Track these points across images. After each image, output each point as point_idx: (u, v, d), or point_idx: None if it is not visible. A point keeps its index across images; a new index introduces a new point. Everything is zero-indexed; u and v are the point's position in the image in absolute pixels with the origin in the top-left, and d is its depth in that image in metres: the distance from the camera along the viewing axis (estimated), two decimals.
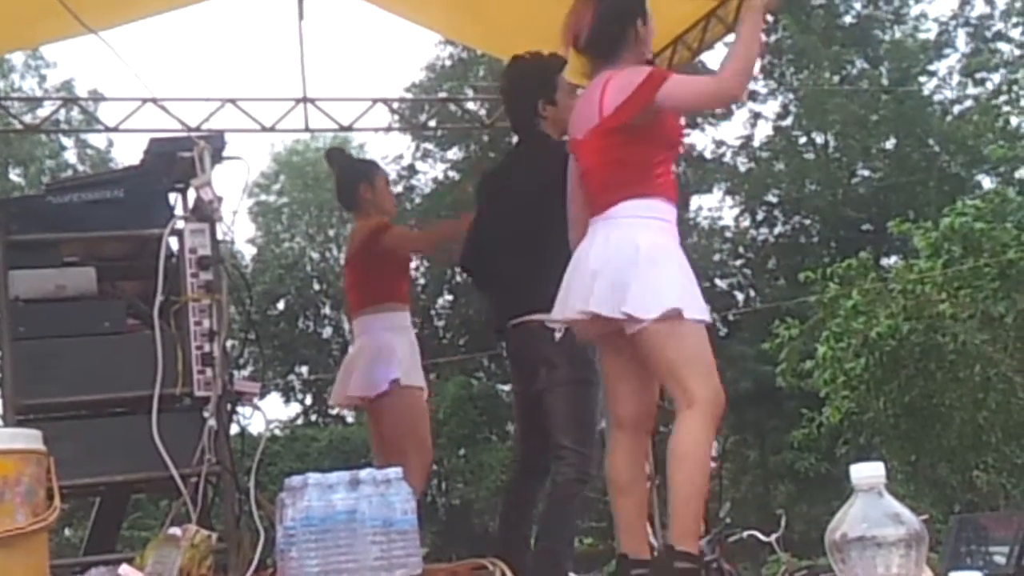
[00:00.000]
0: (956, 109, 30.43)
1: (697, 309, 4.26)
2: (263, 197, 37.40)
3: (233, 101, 7.93)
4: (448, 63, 30.49)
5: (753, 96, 31.72)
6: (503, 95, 5.71)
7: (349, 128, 8.44)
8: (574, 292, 4.30)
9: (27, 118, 8.98)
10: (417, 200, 32.20)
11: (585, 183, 4.49)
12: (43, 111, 11.31)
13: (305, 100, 8.03)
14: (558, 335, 4.99)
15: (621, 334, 4.26)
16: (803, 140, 31.48)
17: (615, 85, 4.34)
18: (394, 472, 3.49)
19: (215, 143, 4.86)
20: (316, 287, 35.77)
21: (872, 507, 1.84)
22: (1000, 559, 7.23)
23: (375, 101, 8.33)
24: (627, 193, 4.28)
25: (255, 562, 4.23)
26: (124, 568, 3.50)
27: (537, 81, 5.38)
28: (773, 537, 13.63)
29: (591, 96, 4.43)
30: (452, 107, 14.45)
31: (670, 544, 4.16)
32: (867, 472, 1.86)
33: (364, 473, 3.45)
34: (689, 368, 4.21)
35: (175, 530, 3.68)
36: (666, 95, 4.25)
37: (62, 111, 9.25)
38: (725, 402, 4.34)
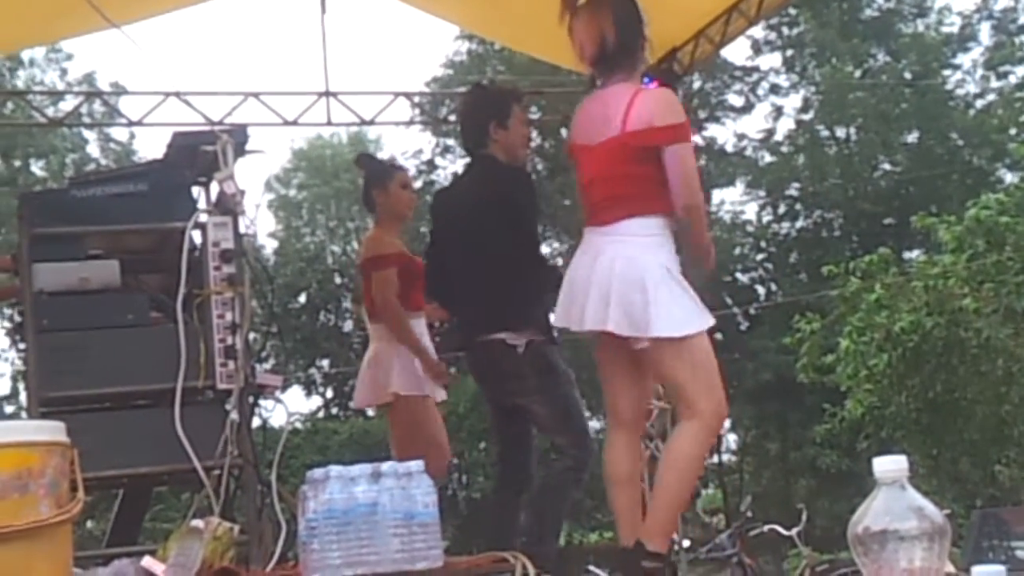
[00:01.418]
0: (979, 103, 30.31)
1: (702, 321, 4.35)
2: (284, 191, 37.48)
3: (256, 95, 7.96)
4: (466, 58, 30.49)
5: (775, 90, 31.70)
6: (458, 117, 5.91)
7: (371, 122, 8.47)
8: (577, 305, 4.37)
9: (49, 111, 8.99)
10: None
11: (588, 191, 4.53)
12: (65, 104, 11.35)
13: (328, 94, 8.06)
14: (520, 349, 5.23)
15: (622, 340, 4.35)
16: (824, 134, 31.39)
17: (647, 105, 4.36)
18: (416, 465, 3.49)
19: (238, 137, 4.87)
20: (337, 280, 35.82)
21: (895, 500, 1.84)
22: (1022, 554, 7.21)
23: (396, 95, 8.36)
24: (633, 209, 4.34)
25: (277, 554, 4.25)
26: (147, 560, 3.51)
27: (491, 105, 5.60)
28: (794, 531, 13.60)
29: (611, 106, 4.43)
30: None
31: (640, 541, 4.27)
32: (890, 465, 1.86)
33: (386, 466, 3.45)
34: (695, 383, 4.32)
35: (197, 522, 3.69)
36: (673, 154, 4.32)
37: (84, 105, 9.26)
38: (727, 410, 4.49)
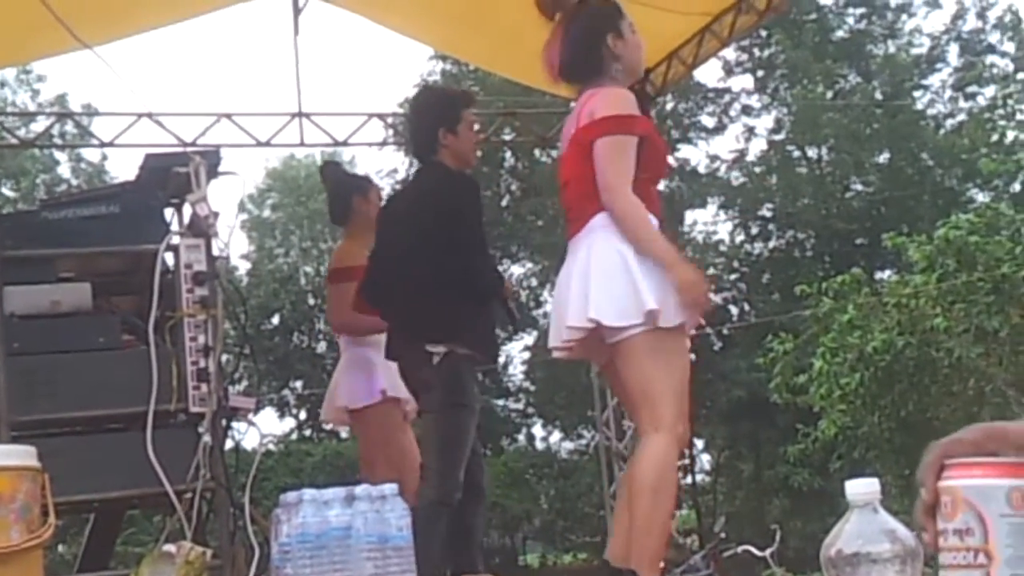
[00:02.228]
0: (949, 123, 30.48)
1: (677, 315, 4.23)
2: (257, 212, 37.41)
3: (228, 116, 7.96)
4: (439, 78, 30.53)
5: (747, 111, 31.81)
6: (407, 121, 5.80)
7: (344, 143, 8.47)
8: (567, 309, 4.27)
9: (20, 132, 8.97)
10: None
11: (563, 197, 4.52)
12: (37, 125, 11.32)
13: (300, 115, 8.06)
14: (436, 359, 5.11)
15: (604, 350, 4.28)
16: (796, 154, 31.51)
17: (595, 101, 4.37)
18: (389, 488, 3.48)
19: (210, 159, 4.86)
20: (311, 302, 35.73)
21: (867, 523, 1.84)
22: None
23: (370, 116, 8.36)
24: (599, 206, 4.28)
25: None
26: None
27: (440, 110, 5.51)
28: (768, 552, 13.60)
29: (575, 112, 4.47)
30: None
31: (631, 569, 4.15)
32: (862, 488, 1.86)
33: (359, 489, 3.43)
34: (660, 383, 4.19)
35: (169, 547, 3.67)
36: (597, 148, 4.26)
37: (56, 126, 9.24)
38: (688, 426, 4.35)
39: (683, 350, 4.30)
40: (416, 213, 5.30)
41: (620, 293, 4.15)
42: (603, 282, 4.17)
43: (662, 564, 4.42)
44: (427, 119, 5.50)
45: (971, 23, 30.52)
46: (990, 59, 30.02)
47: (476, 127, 5.75)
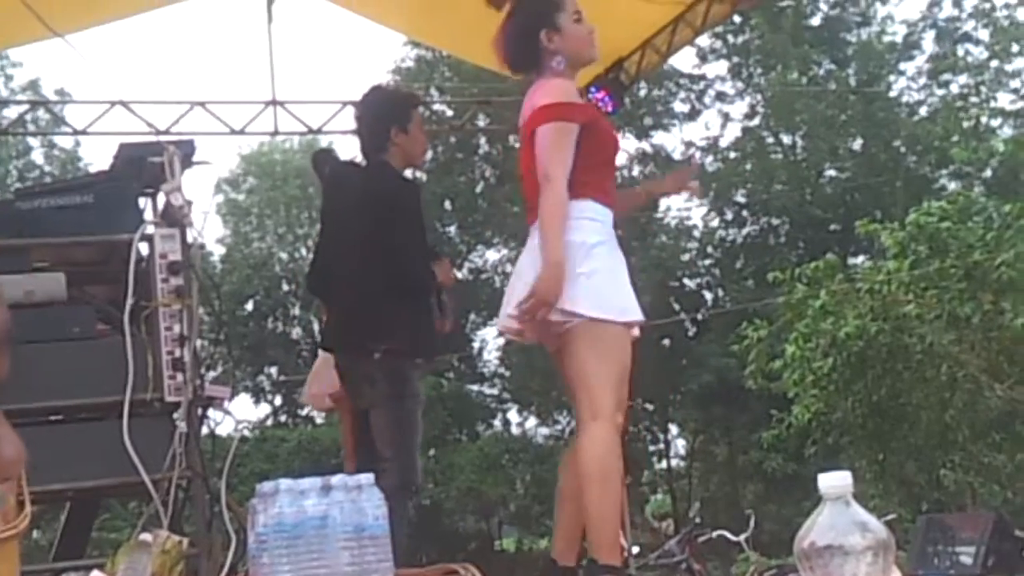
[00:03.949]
0: (923, 110, 30.57)
1: (622, 311, 4.27)
2: (232, 195, 37.27)
3: (202, 104, 7.94)
4: (413, 65, 30.47)
5: (721, 97, 31.85)
6: (357, 120, 5.82)
7: (318, 131, 8.47)
8: (513, 299, 4.32)
9: None
10: None
11: (522, 188, 4.54)
12: (9, 111, 11.26)
13: (274, 103, 8.05)
14: (377, 355, 5.17)
15: (554, 338, 4.30)
16: (771, 140, 31.58)
17: (535, 94, 4.41)
18: (365, 478, 3.50)
19: (185, 148, 4.87)
20: (285, 287, 35.67)
21: (839, 516, 1.86)
22: (967, 559, 7.27)
23: (344, 104, 8.35)
24: None
25: (227, 567, 4.24)
26: (95, 574, 3.50)
27: (392, 108, 5.58)
28: (742, 537, 13.70)
29: (525, 103, 4.49)
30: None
31: (593, 558, 4.18)
32: (835, 481, 1.88)
33: (336, 479, 3.45)
34: (600, 373, 4.20)
35: (146, 536, 3.67)
36: (537, 136, 4.29)
37: (29, 113, 9.20)
38: (627, 412, 4.34)
39: (624, 341, 4.29)
40: (359, 214, 5.33)
41: (601, 288, 4.19)
42: (583, 272, 4.19)
43: (637, 548, 4.46)
44: (379, 117, 5.53)
45: (947, 10, 30.64)
46: (965, 47, 30.12)
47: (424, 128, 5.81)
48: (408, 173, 6.03)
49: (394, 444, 5.20)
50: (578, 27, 4.51)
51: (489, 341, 32.71)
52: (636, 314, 4.33)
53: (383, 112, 5.55)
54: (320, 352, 6.65)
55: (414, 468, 5.24)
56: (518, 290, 4.29)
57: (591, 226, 4.29)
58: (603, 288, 4.23)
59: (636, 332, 4.45)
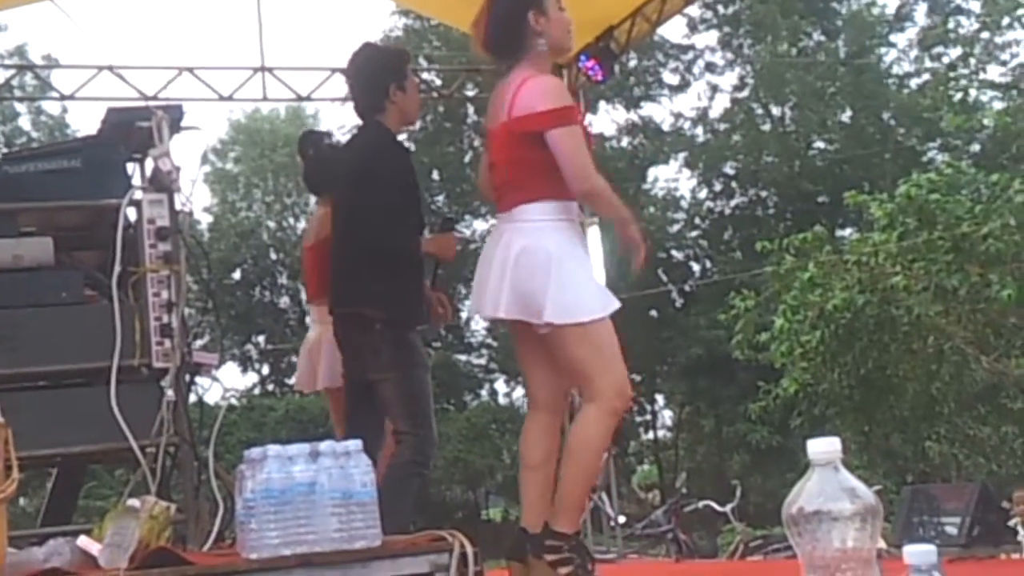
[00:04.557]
0: (914, 83, 30.55)
1: (603, 307, 4.39)
2: (220, 164, 37.19)
3: (191, 70, 7.92)
4: (401, 34, 30.36)
5: (711, 68, 31.81)
6: (350, 80, 5.63)
7: (307, 98, 8.45)
8: (486, 294, 4.43)
9: None
10: None
11: (492, 174, 4.61)
12: None
13: (263, 69, 8.03)
14: (378, 324, 5.12)
15: (530, 325, 4.40)
16: (760, 112, 31.55)
17: (529, 91, 4.44)
18: (353, 444, 3.50)
19: (173, 113, 4.84)
20: (273, 256, 35.66)
21: (828, 482, 1.87)
22: (952, 530, 7.31)
23: (333, 71, 8.33)
24: (531, 195, 4.40)
25: (214, 533, 4.24)
26: (82, 539, 3.50)
27: (389, 65, 5.44)
28: (728, 507, 13.76)
29: (505, 92, 4.51)
30: None
31: (547, 523, 4.35)
32: (824, 447, 1.89)
33: (324, 445, 3.45)
34: (595, 364, 4.35)
35: (133, 501, 3.67)
36: (555, 140, 4.35)
37: (16, 78, 9.16)
38: (630, 391, 4.51)
39: (608, 327, 4.40)
40: (352, 178, 5.26)
41: (539, 292, 4.28)
42: (525, 280, 4.30)
43: (623, 519, 4.57)
44: (376, 75, 5.37)
45: None
46: (957, 19, 30.06)
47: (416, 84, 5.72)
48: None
49: (408, 416, 5.13)
50: (562, 15, 4.62)
51: None
52: (614, 302, 4.44)
53: (379, 69, 5.39)
54: (308, 339, 6.61)
55: (431, 440, 5.17)
56: (491, 281, 4.38)
57: (569, 227, 4.43)
58: (582, 292, 4.36)
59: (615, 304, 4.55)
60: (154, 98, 7.43)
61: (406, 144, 5.68)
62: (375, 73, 5.39)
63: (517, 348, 4.63)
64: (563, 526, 4.35)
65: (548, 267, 4.27)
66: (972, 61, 27.56)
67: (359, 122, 5.53)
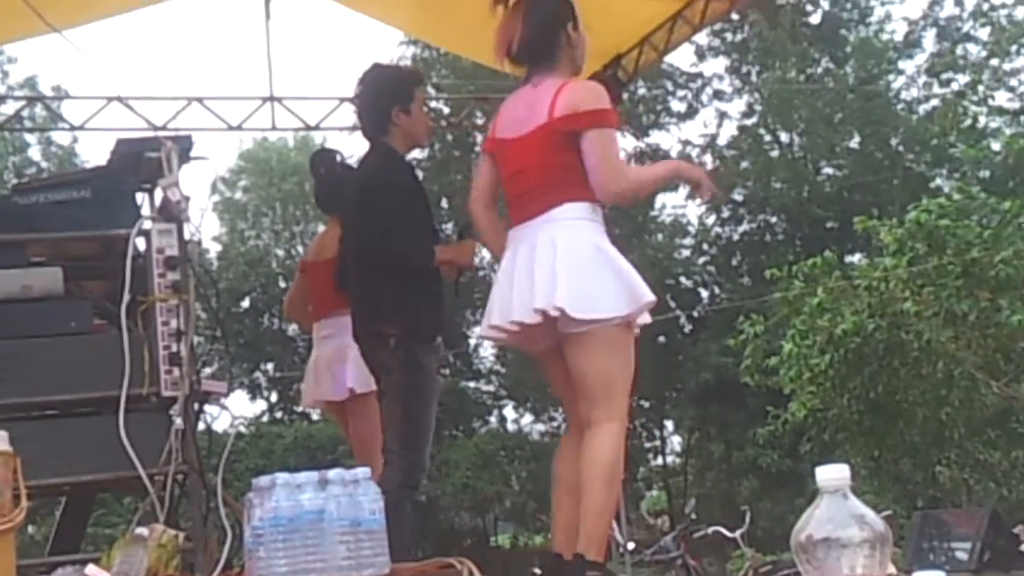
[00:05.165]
0: (922, 109, 30.55)
1: (635, 304, 4.35)
2: (228, 194, 37.29)
3: (200, 100, 7.92)
4: (410, 63, 30.43)
5: (719, 95, 31.83)
6: (357, 100, 5.64)
7: (316, 127, 8.46)
8: (515, 296, 4.35)
9: None
10: None
11: (514, 182, 4.55)
12: (6, 107, 11.25)
13: (272, 99, 8.03)
14: (392, 342, 5.10)
15: (558, 345, 4.37)
16: (768, 138, 31.56)
17: (572, 92, 4.44)
18: (362, 472, 3.50)
19: (182, 143, 4.85)
20: (282, 284, 35.66)
21: (837, 509, 1.86)
22: (962, 555, 7.27)
23: (342, 100, 8.33)
24: (566, 195, 4.38)
25: (223, 562, 4.23)
26: (91, 568, 3.50)
27: (393, 88, 5.43)
28: (738, 533, 13.68)
29: (537, 97, 4.49)
30: None
31: (579, 553, 4.25)
32: (832, 474, 1.89)
33: (332, 473, 3.45)
34: (622, 380, 4.34)
35: (142, 530, 3.68)
36: (591, 137, 4.37)
37: (26, 109, 9.19)
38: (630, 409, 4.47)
39: (632, 345, 4.40)
40: (365, 199, 5.25)
41: (589, 286, 4.25)
42: (574, 273, 4.24)
43: (632, 545, 4.53)
44: (380, 98, 5.39)
45: (948, 9, 30.65)
46: (964, 46, 30.10)
47: (426, 108, 5.71)
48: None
49: (400, 438, 5.13)
50: (584, 34, 4.65)
51: None
52: (648, 294, 4.38)
53: (384, 91, 5.41)
54: (312, 356, 6.64)
55: (421, 463, 5.18)
56: (515, 294, 4.32)
57: (600, 229, 4.42)
58: (622, 289, 4.31)
59: (648, 319, 4.54)
60: (163, 128, 7.44)
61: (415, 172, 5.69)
62: (377, 96, 5.42)
63: (547, 374, 4.58)
64: (596, 555, 4.26)
65: (594, 262, 4.28)
66: (980, 88, 27.58)
67: (368, 146, 5.55)
